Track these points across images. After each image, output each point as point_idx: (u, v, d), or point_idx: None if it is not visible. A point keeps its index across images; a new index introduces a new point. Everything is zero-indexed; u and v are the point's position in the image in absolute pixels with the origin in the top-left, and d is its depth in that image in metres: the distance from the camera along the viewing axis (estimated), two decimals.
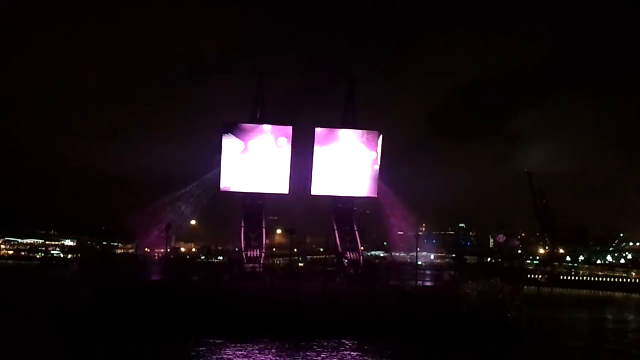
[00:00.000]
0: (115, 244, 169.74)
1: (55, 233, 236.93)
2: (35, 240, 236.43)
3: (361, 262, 72.89)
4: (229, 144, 71.56)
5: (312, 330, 54.32)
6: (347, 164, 73.72)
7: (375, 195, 75.19)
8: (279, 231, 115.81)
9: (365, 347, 50.27)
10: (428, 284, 60.95)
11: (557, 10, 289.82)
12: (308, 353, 46.82)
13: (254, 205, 74.54)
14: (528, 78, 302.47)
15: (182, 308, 54.09)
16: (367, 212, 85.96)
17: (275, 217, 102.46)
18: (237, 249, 79.11)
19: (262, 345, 48.67)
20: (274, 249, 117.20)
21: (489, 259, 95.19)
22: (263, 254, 72.23)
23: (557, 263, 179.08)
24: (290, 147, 72.28)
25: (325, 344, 50.23)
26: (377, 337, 53.73)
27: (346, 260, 71.75)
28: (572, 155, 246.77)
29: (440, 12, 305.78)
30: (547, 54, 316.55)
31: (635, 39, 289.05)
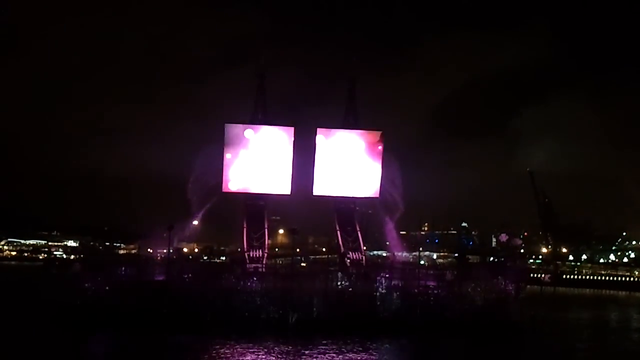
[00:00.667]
0: (118, 244, 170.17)
1: (58, 234, 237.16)
2: (38, 241, 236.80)
3: (364, 262, 72.95)
4: (231, 144, 71.65)
5: (316, 329, 54.49)
6: (349, 164, 73.76)
7: (377, 196, 75.22)
8: (281, 231, 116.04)
9: (369, 346, 50.32)
10: (430, 283, 60.81)
11: (557, 9, 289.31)
12: (312, 353, 46.86)
13: (256, 206, 74.62)
14: (529, 77, 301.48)
15: (183, 306, 54.29)
16: (370, 212, 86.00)
17: (278, 218, 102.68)
18: (239, 250, 79.18)
19: (266, 345, 48.78)
20: (277, 250, 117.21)
21: (491, 259, 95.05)
22: (265, 255, 72.32)
23: (560, 262, 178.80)
24: (292, 147, 72.35)
25: (328, 343, 50.29)
26: (380, 336, 53.84)
27: (349, 261, 71.81)
28: (574, 154, 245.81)
29: (441, 12, 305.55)
30: (548, 52, 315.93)
31: (635, 37, 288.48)
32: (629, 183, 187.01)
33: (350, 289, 58.04)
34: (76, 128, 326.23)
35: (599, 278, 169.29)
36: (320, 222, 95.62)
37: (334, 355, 46.35)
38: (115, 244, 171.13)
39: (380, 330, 55.32)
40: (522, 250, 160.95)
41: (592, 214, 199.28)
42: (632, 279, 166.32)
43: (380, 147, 74.16)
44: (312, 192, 73.71)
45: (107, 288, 55.08)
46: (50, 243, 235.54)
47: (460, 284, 59.60)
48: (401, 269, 67.85)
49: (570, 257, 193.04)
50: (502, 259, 76.20)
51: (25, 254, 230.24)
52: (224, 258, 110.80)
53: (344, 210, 76.31)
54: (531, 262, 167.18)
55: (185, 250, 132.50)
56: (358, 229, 76.32)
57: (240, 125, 73.08)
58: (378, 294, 58.20)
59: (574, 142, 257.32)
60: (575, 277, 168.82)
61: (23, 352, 44.55)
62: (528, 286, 62.33)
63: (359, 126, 75.54)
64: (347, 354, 46.81)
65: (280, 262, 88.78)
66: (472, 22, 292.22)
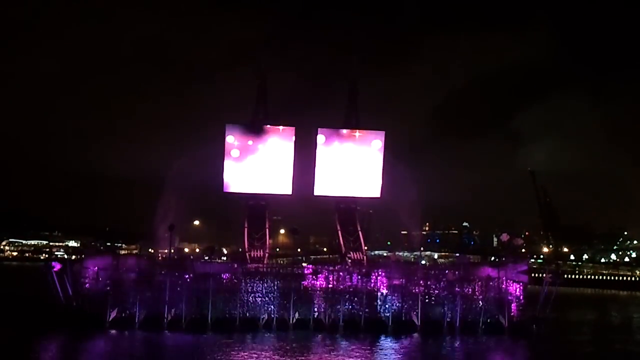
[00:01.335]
0: (119, 244, 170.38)
1: (60, 234, 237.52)
2: (40, 241, 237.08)
3: (365, 261, 72.91)
4: (233, 145, 71.72)
5: (317, 327, 54.58)
6: (350, 165, 73.77)
7: (379, 195, 75.24)
8: (282, 231, 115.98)
9: (369, 346, 50.33)
10: (431, 283, 60.71)
11: (558, 8, 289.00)
12: (312, 353, 46.89)
13: (257, 206, 74.69)
14: (530, 76, 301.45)
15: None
16: (371, 211, 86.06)
17: (279, 218, 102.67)
18: (240, 250, 79.26)
19: (268, 343, 48.82)
20: (278, 249, 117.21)
21: (492, 258, 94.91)
22: (267, 254, 72.37)
23: (561, 262, 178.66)
24: (294, 147, 72.40)
25: (328, 343, 50.32)
26: (381, 336, 53.87)
27: (350, 260, 71.80)
28: (575, 154, 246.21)
29: (441, 12, 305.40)
30: (548, 52, 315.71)
31: (636, 36, 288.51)
32: (630, 183, 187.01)
33: (351, 289, 58.05)
34: (77, 129, 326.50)
35: (601, 278, 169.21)
36: (321, 222, 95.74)
37: (334, 355, 46.38)
38: (116, 244, 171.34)
39: (380, 329, 55.37)
40: (523, 250, 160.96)
41: (593, 214, 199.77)
42: (633, 278, 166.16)
43: (381, 147, 74.15)
44: (313, 192, 73.76)
45: (107, 288, 55.11)
46: (51, 243, 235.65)
47: (461, 284, 59.56)
48: (402, 268, 67.73)
49: (572, 257, 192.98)
50: (504, 259, 76.00)
51: (27, 255, 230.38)
52: (224, 258, 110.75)
53: (345, 210, 76.34)
54: (532, 262, 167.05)
55: (186, 250, 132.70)
56: (359, 228, 76.34)
57: (242, 126, 73.15)
58: (379, 293, 58.22)
59: (575, 142, 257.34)
60: (577, 276, 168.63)
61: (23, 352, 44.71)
62: (529, 286, 62.18)
63: (360, 126, 75.55)
64: (348, 354, 46.83)
65: (282, 262, 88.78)
66: (473, 23, 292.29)
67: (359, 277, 59.07)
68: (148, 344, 49.13)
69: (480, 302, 59.16)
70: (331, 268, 60.99)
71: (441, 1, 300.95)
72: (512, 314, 59.50)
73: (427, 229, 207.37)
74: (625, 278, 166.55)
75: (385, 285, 58.67)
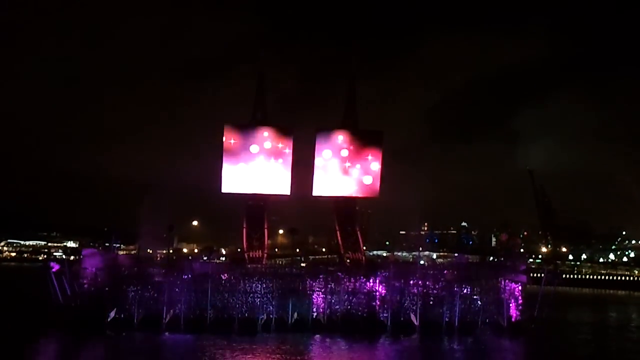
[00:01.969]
0: (118, 245, 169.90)
1: (58, 235, 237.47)
2: (38, 242, 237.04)
3: (364, 262, 72.89)
4: (231, 145, 71.65)
5: (316, 328, 54.58)
6: (348, 165, 73.70)
7: (377, 196, 75.25)
8: (281, 232, 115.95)
9: (369, 346, 50.35)
10: (430, 283, 60.73)
11: (556, 8, 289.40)
12: (312, 352, 46.91)
13: (256, 206, 74.59)
14: (528, 76, 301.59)
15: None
16: (369, 212, 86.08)
17: (277, 218, 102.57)
18: (239, 250, 79.19)
19: (268, 344, 48.81)
20: (276, 250, 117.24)
21: (491, 258, 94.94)
22: (265, 255, 72.33)
23: (559, 261, 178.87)
24: (292, 148, 72.34)
25: (328, 343, 50.33)
26: (380, 336, 53.88)
27: (348, 260, 71.78)
28: (573, 154, 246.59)
29: (441, 12, 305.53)
30: (546, 52, 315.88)
31: (634, 36, 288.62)
32: (628, 182, 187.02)
33: (351, 289, 58.07)
34: (76, 130, 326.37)
35: (599, 277, 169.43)
36: (320, 222, 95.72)
37: (334, 355, 46.40)
38: (114, 245, 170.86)
39: (379, 330, 55.39)
40: (521, 250, 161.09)
41: (591, 213, 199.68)
42: (631, 278, 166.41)
43: (379, 148, 74.12)
44: (311, 192, 73.69)
45: (106, 289, 55.16)
46: (50, 244, 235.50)
47: (460, 284, 59.59)
48: (401, 268, 67.72)
49: (570, 257, 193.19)
50: (502, 259, 76.02)
51: (25, 255, 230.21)
52: (223, 259, 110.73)
53: (344, 210, 76.25)
54: (531, 262, 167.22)
55: (185, 250, 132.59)
56: (358, 229, 76.32)
57: (240, 126, 73.10)
58: (378, 294, 58.24)
59: (573, 142, 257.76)
60: (575, 276, 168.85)
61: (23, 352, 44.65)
62: (528, 286, 62.26)
63: (359, 126, 75.51)
64: (347, 354, 46.85)
65: (280, 262, 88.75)
66: (472, 22, 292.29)
67: (358, 277, 59.09)
68: (147, 345, 49.10)
69: (479, 302, 59.24)
70: (330, 268, 61.00)
71: (441, 1, 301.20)
72: (510, 314, 59.58)
73: (425, 229, 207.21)
74: (623, 278, 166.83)
75: (383, 285, 58.71)
